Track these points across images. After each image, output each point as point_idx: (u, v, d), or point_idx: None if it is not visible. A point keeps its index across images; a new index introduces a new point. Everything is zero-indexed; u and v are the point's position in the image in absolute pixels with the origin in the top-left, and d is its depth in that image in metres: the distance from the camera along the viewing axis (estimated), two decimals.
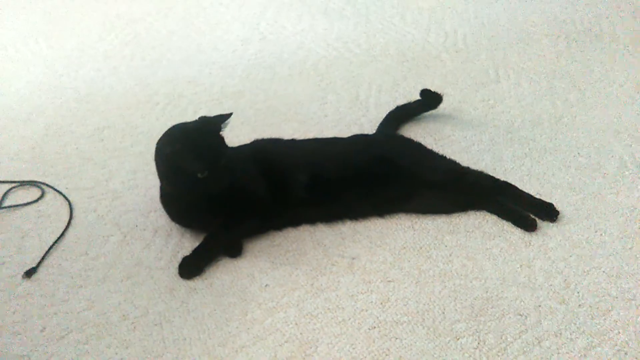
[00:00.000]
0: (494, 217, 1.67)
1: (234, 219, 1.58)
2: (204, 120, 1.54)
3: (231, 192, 1.53)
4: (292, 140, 1.78)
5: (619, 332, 1.37)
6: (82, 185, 1.83)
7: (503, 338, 1.36)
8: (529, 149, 1.92)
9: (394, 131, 1.96)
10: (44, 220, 1.71)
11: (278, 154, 1.69)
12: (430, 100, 2.01)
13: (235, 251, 1.58)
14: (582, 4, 2.81)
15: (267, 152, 1.69)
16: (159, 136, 1.53)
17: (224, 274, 1.53)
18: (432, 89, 2.01)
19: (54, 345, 1.37)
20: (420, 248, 1.59)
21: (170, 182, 1.55)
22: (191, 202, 1.56)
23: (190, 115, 1.66)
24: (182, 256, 1.55)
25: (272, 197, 1.61)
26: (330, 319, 1.42)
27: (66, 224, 1.69)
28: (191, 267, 1.53)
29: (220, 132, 1.53)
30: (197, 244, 1.57)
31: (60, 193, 1.79)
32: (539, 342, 1.35)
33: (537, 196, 1.70)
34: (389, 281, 1.50)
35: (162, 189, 1.62)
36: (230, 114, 1.54)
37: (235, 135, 1.71)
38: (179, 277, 1.52)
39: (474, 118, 2.08)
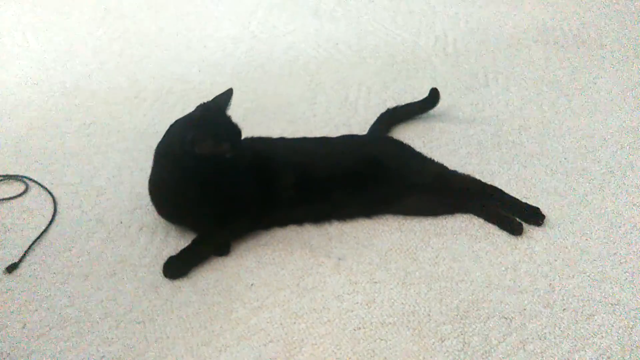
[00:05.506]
0: (481, 220, 1.67)
1: (225, 221, 1.57)
2: (206, 106, 1.53)
3: (222, 191, 1.52)
4: (281, 139, 1.77)
5: (603, 337, 1.37)
6: (66, 180, 1.81)
7: (488, 341, 1.36)
8: (516, 153, 1.93)
9: (385, 133, 1.96)
10: (27, 215, 1.69)
11: (266, 153, 1.67)
12: (432, 99, 2.01)
13: (222, 250, 1.57)
14: (571, 11, 2.84)
15: (255, 150, 1.68)
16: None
17: (210, 273, 1.52)
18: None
19: (34, 342, 1.35)
20: (407, 250, 1.59)
21: (188, 174, 1.50)
22: (183, 195, 1.53)
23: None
24: (167, 254, 1.53)
25: (260, 196, 1.60)
26: (316, 319, 1.41)
27: (50, 219, 1.67)
28: (177, 268, 1.51)
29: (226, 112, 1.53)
30: (182, 241, 1.56)
31: (45, 188, 1.77)
32: (524, 346, 1.35)
33: (524, 200, 1.70)
34: (375, 282, 1.50)
35: (151, 182, 1.60)
36: (230, 90, 1.53)
37: None
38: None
39: (462, 122, 2.08)
